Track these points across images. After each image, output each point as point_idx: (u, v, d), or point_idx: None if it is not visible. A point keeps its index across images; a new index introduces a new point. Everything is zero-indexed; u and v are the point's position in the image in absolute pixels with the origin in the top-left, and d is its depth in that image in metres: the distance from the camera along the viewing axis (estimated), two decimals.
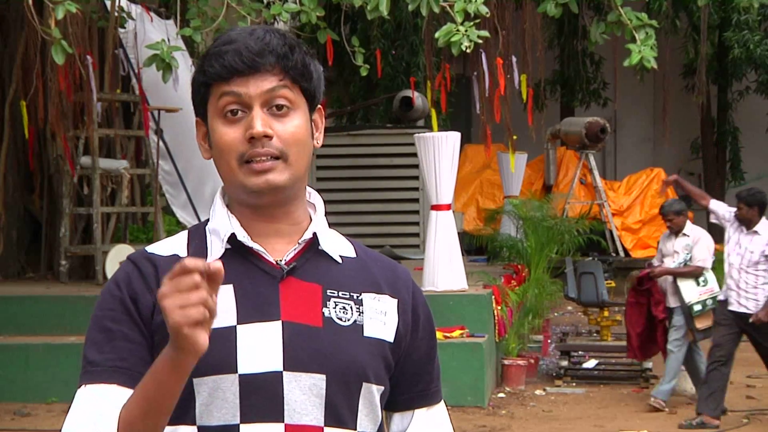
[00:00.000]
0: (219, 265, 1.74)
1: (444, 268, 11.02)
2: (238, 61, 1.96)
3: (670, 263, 10.23)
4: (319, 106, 2.07)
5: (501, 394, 10.90)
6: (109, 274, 11.51)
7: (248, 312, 1.97)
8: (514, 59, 13.85)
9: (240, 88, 1.97)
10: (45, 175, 13.21)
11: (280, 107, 1.98)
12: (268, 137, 1.96)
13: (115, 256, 11.64)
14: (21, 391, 10.01)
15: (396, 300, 2.08)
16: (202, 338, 1.74)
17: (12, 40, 12.92)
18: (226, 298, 1.96)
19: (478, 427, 9.50)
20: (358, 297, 2.04)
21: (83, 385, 1.96)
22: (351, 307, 2.03)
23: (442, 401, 2.20)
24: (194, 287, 1.72)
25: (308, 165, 2.04)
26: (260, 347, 1.96)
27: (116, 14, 11.57)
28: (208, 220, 2.08)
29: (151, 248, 2.06)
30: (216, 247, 2.02)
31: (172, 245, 2.06)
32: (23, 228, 13.38)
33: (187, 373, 1.83)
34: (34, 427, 9.13)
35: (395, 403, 2.13)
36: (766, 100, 21.54)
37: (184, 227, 13.24)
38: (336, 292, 2.03)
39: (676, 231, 10.25)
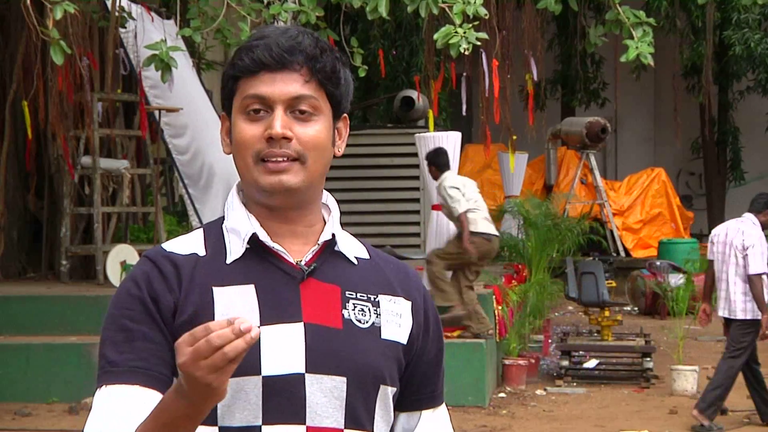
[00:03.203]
0: (257, 332, 1.71)
1: None
2: (267, 56, 1.96)
3: None
4: (345, 114, 2.07)
5: (502, 394, 10.90)
6: (110, 274, 11.51)
7: (271, 313, 1.96)
8: (530, 56, 13.80)
9: (266, 89, 1.97)
10: (46, 175, 13.20)
11: (303, 111, 1.98)
12: (287, 139, 1.96)
13: (116, 256, 11.65)
14: (22, 391, 10.00)
15: (410, 302, 2.08)
16: (226, 385, 1.76)
17: (12, 40, 12.91)
18: (248, 299, 1.96)
19: (479, 426, 9.50)
20: (374, 299, 2.04)
21: (104, 386, 1.94)
22: (369, 309, 2.03)
23: (444, 402, 2.21)
24: (214, 349, 1.70)
25: (325, 170, 2.05)
26: (283, 349, 1.95)
27: (117, 14, 11.56)
28: (222, 218, 2.06)
29: (168, 247, 2.04)
30: (236, 247, 2.01)
31: (190, 244, 2.04)
32: (24, 228, 13.37)
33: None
34: (35, 427, 9.12)
35: (403, 402, 2.12)
36: (766, 100, 21.54)
37: (184, 228, 13.24)
38: (354, 293, 2.03)
39: None
